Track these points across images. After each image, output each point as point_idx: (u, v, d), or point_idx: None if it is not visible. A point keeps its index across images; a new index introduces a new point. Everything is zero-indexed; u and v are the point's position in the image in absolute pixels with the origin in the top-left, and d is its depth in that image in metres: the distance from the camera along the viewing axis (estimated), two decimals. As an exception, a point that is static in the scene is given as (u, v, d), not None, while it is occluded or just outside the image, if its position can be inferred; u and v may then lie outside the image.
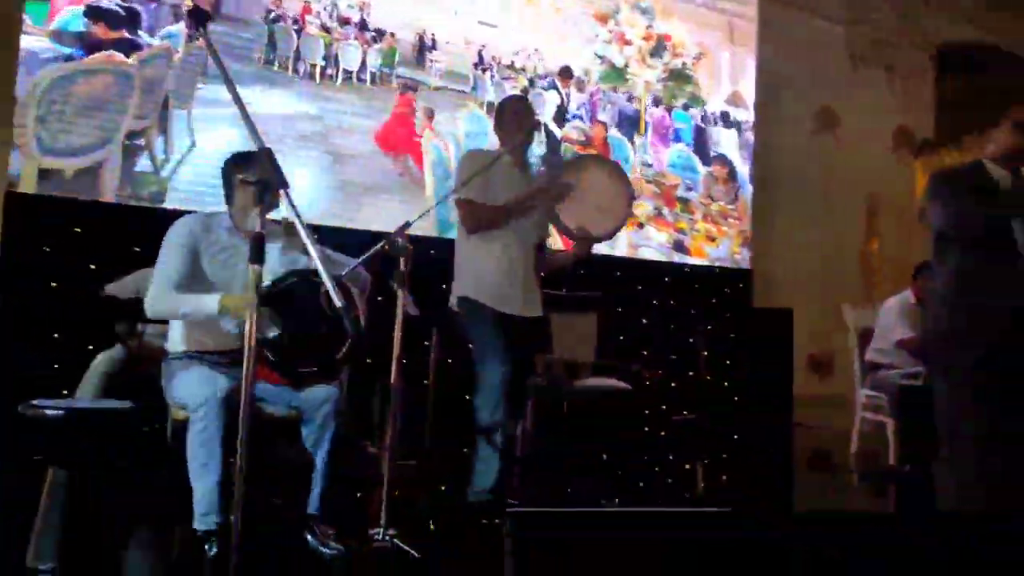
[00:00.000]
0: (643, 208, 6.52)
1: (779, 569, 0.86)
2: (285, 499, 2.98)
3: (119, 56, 4.43)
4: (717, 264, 6.95)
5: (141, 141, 4.52)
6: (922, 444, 3.91)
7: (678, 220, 6.77)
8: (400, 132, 5.46)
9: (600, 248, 6.07)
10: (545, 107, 6.05)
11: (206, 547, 2.14)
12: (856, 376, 4.95)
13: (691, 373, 6.32)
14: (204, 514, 2.15)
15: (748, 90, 7.19)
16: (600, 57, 6.33)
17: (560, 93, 6.21)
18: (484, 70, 5.82)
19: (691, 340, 6.36)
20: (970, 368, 2.42)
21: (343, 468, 3.70)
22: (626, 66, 6.48)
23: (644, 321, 6.34)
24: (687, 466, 4.69)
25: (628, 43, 6.52)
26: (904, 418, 4.38)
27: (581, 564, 0.82)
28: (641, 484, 4.02)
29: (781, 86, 7.72)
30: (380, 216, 4.98)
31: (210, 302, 2.25)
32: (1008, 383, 2.38)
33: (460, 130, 5.67)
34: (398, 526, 2.35)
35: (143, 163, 4.53)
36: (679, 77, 6.82)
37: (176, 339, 2.43)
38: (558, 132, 6.13)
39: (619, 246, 6.44)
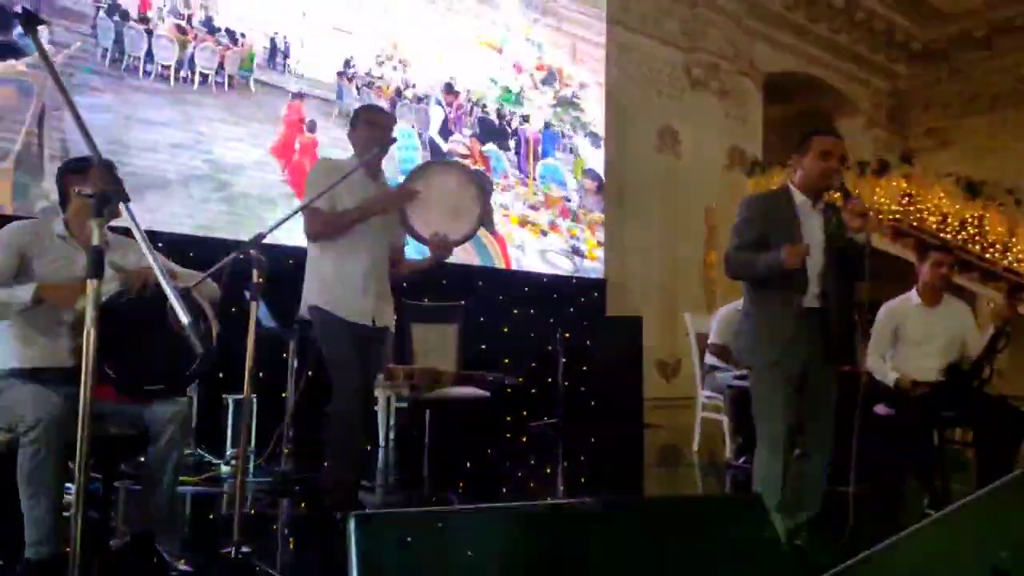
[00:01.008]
0: (545, 217, 7.17)
1: (631, 548, 0.95)
2: (128, 520, 2.84)
3: (19, 65, 4.19)
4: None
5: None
6: (749, 439, 4.30)
7: (571, 228, 7.36)
8: (291, 141, 5.41)
9: (521, 263, 6.45)
10: (430, 121, 6.25)
11: (38, 577, 2.01)
12: (697, 379, 5.33)
13: (549, 380, 6.56)
14: (38, 542, 2.01)
15: (598, 109, 7.65)
16: (494, 81, 6.77)
17: (444, 108, 6.39)
18: (350, 79, 5.80)
19: (550, 348, 6.61)
20: (764, 371, 2.72)
21: (194, 485, 3.57)
22: (521, 91, 7.03)
23: (505, 330, 6.52)
24: (548, 469, 4.87)
25: (521, 71, 7.07)
26: (736, 416, 4.77)
27: (430, 563, 0.88)
28: (504, 489, 4.13)
29: (629, 106, 8.21)
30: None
31: (23, 290, 2.12)
32: (797, 383, 2.69)
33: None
34: (252, 542, 2.31)
35: (24, 176, 4.26)
36: (567, 103, 7.45)
37: (2, 355, 2.26)
38: (444, 146, 6.32)
39: (529, 252, 6.93)
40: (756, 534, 1.00)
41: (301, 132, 5.45)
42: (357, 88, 5.82)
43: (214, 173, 5.05)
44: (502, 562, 0.88)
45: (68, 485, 2.28)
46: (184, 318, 1.21)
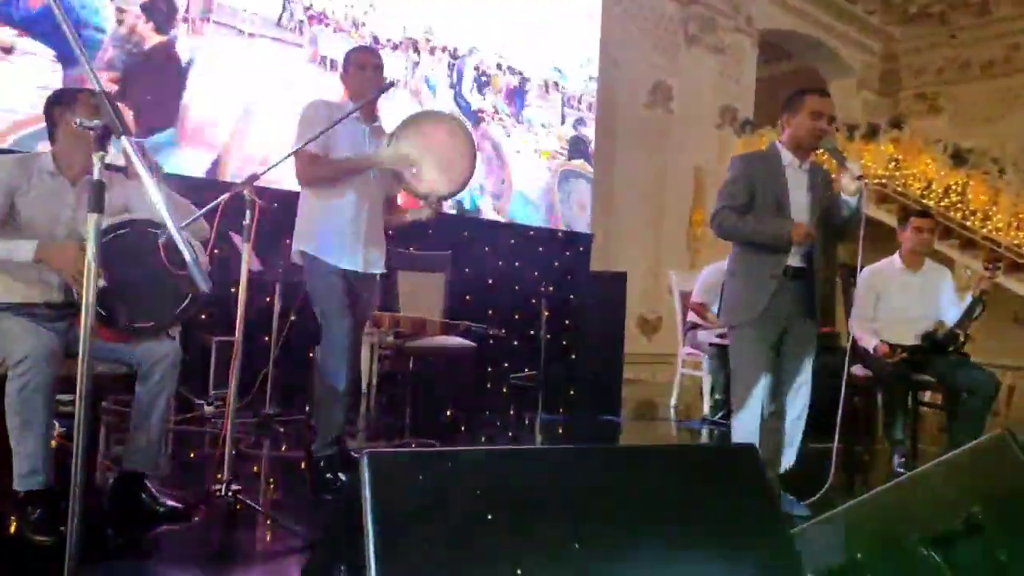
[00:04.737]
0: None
1: (632, 493, 0.97)
2: (112, 457, 2.86)
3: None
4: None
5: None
6: (728, 396, 4.37)
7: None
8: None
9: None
10: (464, 78, 6.56)
11: (29, 508, 2.02)
12: (678, 335, 5.40)
13: (532, 332, 6.61)
14: (28, 474, 2.02)
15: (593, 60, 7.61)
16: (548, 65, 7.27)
17: (474, 69, 6.61)
18: (329, 25, 5.65)
19: (533, 301, 6.65)
20: (746, 330, 2.77)
21: (178, 424, 3.59)
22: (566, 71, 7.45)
23: (490, 282, 6.53)
24: (526, 420, 4.94)
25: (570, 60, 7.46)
26: (715, 373, 4.86)
27: (440, 501, 0.90)
28: (483, 439, 4.20)
29: (623, 59, 8.10)
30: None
31: (25, 248, 2.09)
32: (773, 340, 2.76)
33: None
34: (240, 482, 2.34)
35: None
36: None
37: (-10, 289, 2.23)
38: (475, 103, 6.64)
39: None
40: (751, 483, 1.03)
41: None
42: (334, 30, 5.68)
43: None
44: (511, 501, 0.91)
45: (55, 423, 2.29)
46: (187, 255, 1.20)
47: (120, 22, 4.78)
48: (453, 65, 6.49)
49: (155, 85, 4.88)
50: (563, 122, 7.43)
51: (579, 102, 7.50)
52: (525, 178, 7.14)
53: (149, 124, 4.83)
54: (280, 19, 5.38)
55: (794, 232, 2.66)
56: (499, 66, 6.85)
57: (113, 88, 4.67)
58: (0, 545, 2.08)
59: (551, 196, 7.33)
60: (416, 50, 6.20)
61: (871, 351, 3.70)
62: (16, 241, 2.11)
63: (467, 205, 6.79)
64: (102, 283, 2.07)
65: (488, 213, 6.83)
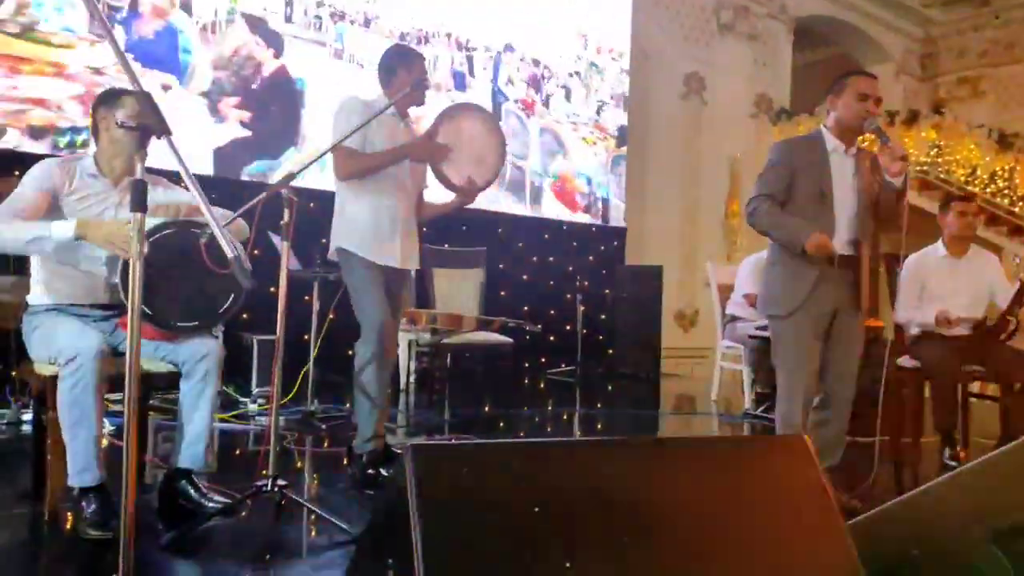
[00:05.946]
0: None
1: (679, 483, 0.96)
2: (164, 454, 2.92)
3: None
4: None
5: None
6: (769, 388, 4.31)
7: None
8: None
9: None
10: (499, 72, 6.70)
11: (83, 503, 2.07)
12: (717, 329, 5.32)
13: (568, 327, 6.59)
14: (81, 470, 2.07)
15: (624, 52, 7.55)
16: (579, 57, 7.38)
17: (507, 65, 6.73)
18: (352, 22, 5.67)
19: (569, 296, 6.63)
20: (789, 320, 2.71)
21: (222, 422, 3.65)
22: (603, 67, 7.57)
23: (525, 277, 6.52)
24: (564, 416, 4.92)
25: (600, 52, 7.54)
26: (756, 366, 4.77)
27: (483, 493, 0.89)
28: (521, 434, 4.19)
29: (654, 51, 8.01)
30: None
31: (65, 226, 2.07)
32: (823, 331, 2.70)
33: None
34: (285, 477, 2.37)
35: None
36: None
37: (40, 291, 2.29)
38: (511, 94, 6.74)
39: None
40: (804, 474, 1.00)
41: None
42: (359, 25, 5.72)
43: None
44: (558, 493, 0.90)
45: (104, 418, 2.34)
46: (230, 252, 1.21)
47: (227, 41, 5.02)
48: (473, 58, 6.49)
49: (278, 108, 5.24)
50: (598, 113, 7.41)
51: (611, 96, 7.45)
52: (580, 166, 7.31)
53: (278, 146, 5.22)
54: (290, 17, 5.45)
55: (810, 243, 2.58)
56: (526, 58, 6.86)
57: (245, 115, 5.05)
58: (57, 539, 2.14)
59: (605, 182, 7.52)
60: (427, 40, 6.20)
61: (933, 321, 3.56)
62: (51, 222, 2.12)
63: (600, 193, 7.22)
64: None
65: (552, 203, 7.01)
